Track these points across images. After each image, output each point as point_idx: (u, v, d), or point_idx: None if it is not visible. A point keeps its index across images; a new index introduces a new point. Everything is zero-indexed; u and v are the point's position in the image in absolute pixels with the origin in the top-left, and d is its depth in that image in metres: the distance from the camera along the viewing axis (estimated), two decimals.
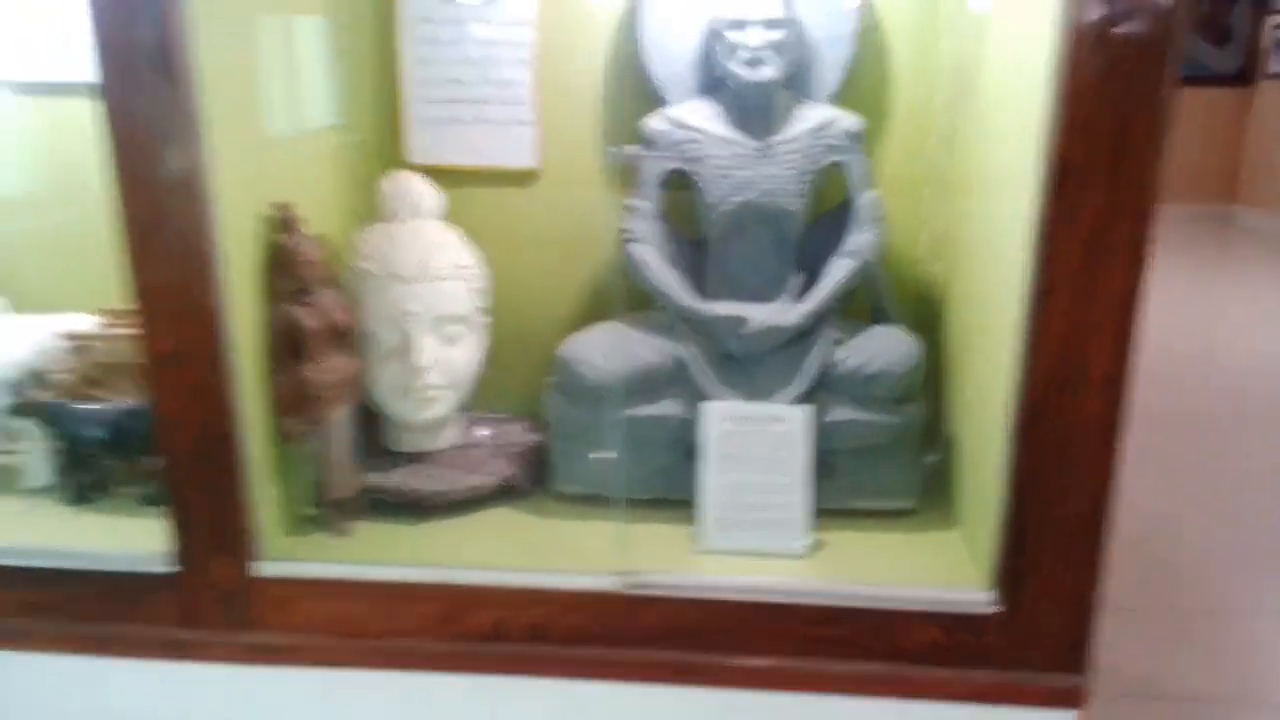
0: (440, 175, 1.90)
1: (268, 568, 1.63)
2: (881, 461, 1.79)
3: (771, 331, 1.74)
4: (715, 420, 1.71)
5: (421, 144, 1.96)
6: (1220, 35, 8.89)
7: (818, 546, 1.71)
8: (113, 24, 1.37)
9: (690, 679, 1.63)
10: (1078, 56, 1.29)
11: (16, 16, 1.96)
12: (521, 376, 2.08)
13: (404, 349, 1.76)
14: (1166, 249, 4.86)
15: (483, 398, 1.99)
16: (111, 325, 1.93)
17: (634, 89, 1.90)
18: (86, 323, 2.00)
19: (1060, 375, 1.41)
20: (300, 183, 1.78)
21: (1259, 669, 2.15)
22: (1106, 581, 1.49)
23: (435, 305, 1.77)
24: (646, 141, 1.79)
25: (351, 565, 1.64)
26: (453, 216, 1.90)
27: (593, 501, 1.86)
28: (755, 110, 1.76)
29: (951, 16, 1.87)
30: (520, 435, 2.01)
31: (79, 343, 1.88)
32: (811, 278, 1.83)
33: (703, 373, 1.76)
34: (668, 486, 1.79)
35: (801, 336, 1.77)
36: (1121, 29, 1.27)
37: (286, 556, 1.66)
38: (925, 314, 1.94)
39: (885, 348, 1.75)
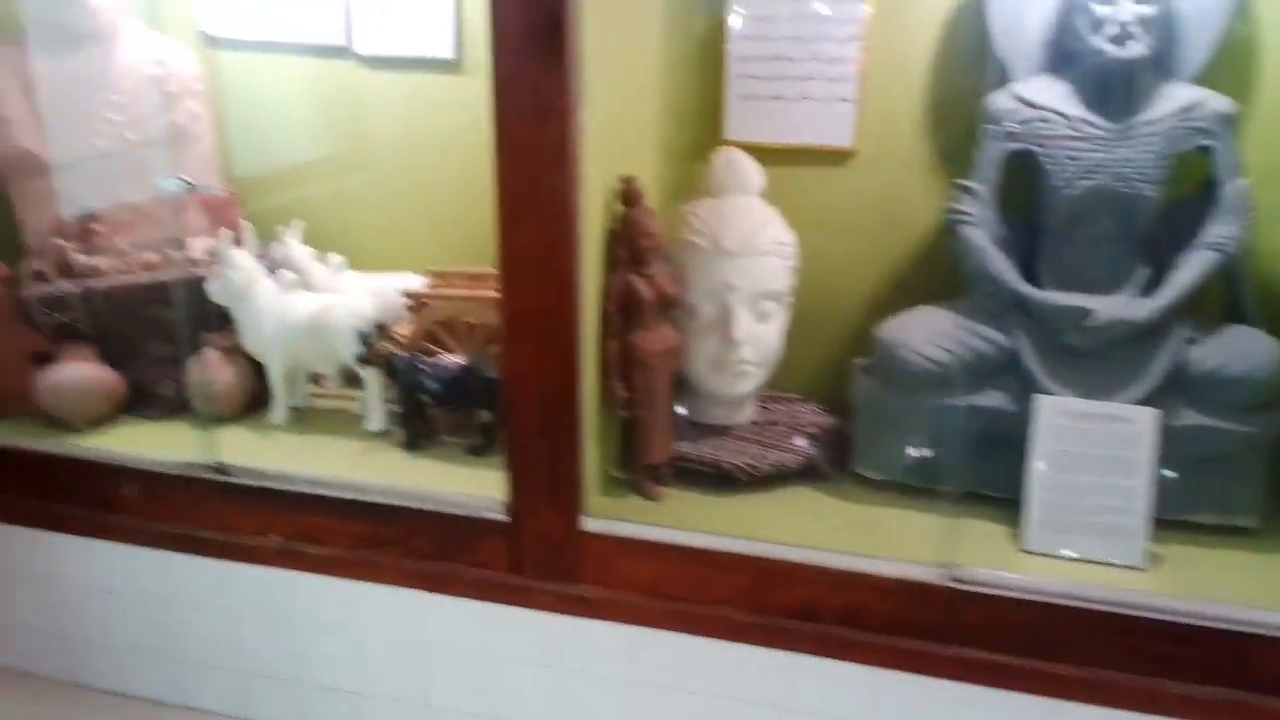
0: (756, 153, 1.90)
1: (592, 524, 1.71)
2: (1227, 473, 1.65)
3: (1119, 325, 1.63)
4: (1050, 415, 1.62)
5: (741, 121, 1.97)
6: None
7: (1155, 559, 1.60)
8: (509, 5, 1.45)
9: (1010, 683, 1.57)
10: None
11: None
12: (816, 358, 2.06)
13: (723, 322, 1.79)
14: None
15: (771, 377, 2.00)
16: (439, 286, 2.08)
17: (970, 66, 1.83)
18: (417, 282, 2.17)
19: None
20: (630, 156, 1.83)
21: None
22: None
23: (755, 281, 1.78)
24: (990, 119, 1.72)
25: (668, 529, 1.69)
26: (767, 194, 1.90)
27: (898, 488, 1.82)
28: (1116, 89, 1.65)
29: None
30: (812, 416, 2.00)
31: (418, 301, 2.03)
32: (1158, 270, 1.70)
33: (1036, 365, 1.68)
34: (987, 480, 1.72)
35: (1149, 333, 1.65)
36: None
37: (604, 515, 1.73)
38: None
39: (1247, 350, 1.61)
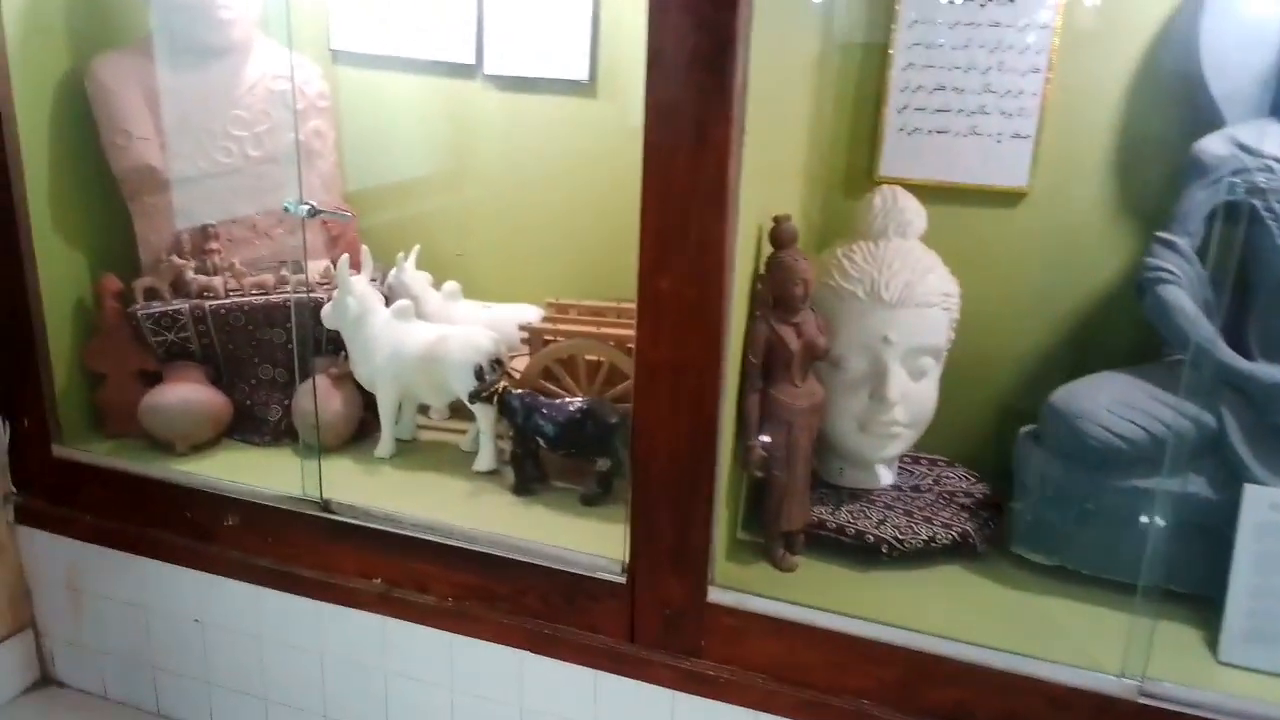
0: (915, 191, 1.71)
1: (719, 594, 1.54)
2: None
3: None
4: (1259, 508, 1.40)
5: (898, 156, 1.80)
6: None
7: None
8: (670, 31, 1.32)
9: None
10: None
11: (508, 18, 2.03)
12: (968, 418, 1.87)
13: (875, 379, 1.61)
14: None
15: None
16: (558, 319, 1.96)
17: (1172, 104, 1.63)
18: (534, 314, 2.06)
19: None
20: (774, 193, 1.68)
21: None
22: None
23: (914, 334, 1.60)
24: (1200, 166, 1.51)
25: (804, 607, 1.52)
26: (926, 237, 1.73)
27: (1061, 575, 1.61)
28: None
29: None
30: (961, 483, 1.81)
31: (536, 336, 1.91)
32: None
33: (1244, 448, 1.46)
34: (1176, 575, 1.50)
35: None
36: None
37: (730, 584, 1.56)
38: None
39: None
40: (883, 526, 1.65)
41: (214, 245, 1.96)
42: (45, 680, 2.12)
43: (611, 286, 2.11)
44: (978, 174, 1.77)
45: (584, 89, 2.02)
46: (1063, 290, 1.77)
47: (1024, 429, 1.67)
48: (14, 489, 1.98)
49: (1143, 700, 1.34)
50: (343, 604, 1.77)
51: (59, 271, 1.93)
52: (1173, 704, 1.34)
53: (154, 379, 1.97)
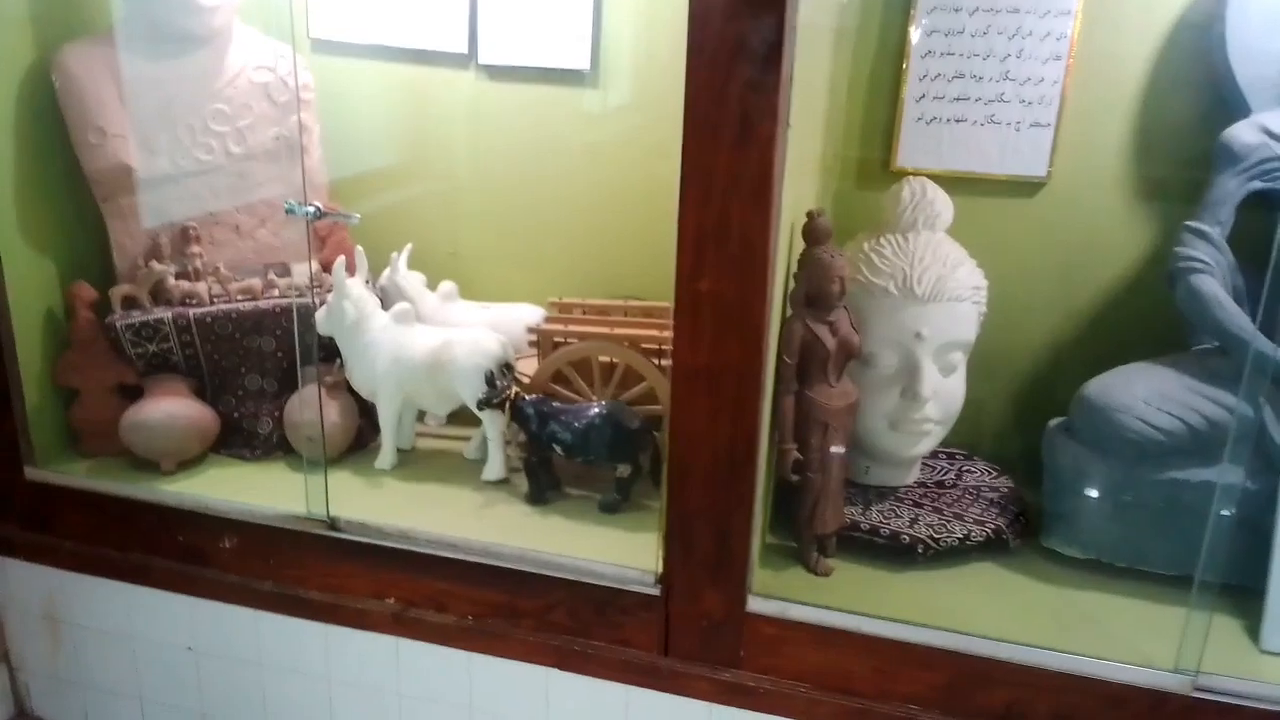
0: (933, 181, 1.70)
1: (758, 603, 1.50)
2: None
3: None
4: None
5: (914, 147, 1.76)
6: None
7: None
8: (715, 22, 1.25)
9: None
10: None
11: (504, 4, 1.93)
12: (988, 411, 1.85)
13: (907, 375, 1.58)
14: None
15: None
16: (562, 319, 1.89)
17: (1196, 92, 1.62)
18: (536, 314, 1.97)
19: None
20: (796, 186, 1.63)
21: None
22: None
23: (946, 330, 1.57)
24: (1228, 154, 1.50)
25: (845, 613, 1.48)
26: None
27: (1096, 568, 1.60)
28: None
29: None
30: (985, 478, 1.78)
31: (545, 338, 1.83)
32: None
33: None
34: (1213, 566, 1.50)
35: None
36: None
37: (766, 592, 1.52)
38: None
39: None
40: (916, 526, 1.62)
41: (195, 249, 1.83)
42: (21, 716, 1.98)
43: (614, 283, 2.04)
44: (996, 163, 1.74)
45: (585, 79, 1.93)
46: (1083, 281, 1.76)
47: (1053, 421, 1.65)
48: None
49: (1196, 694, 1.34)
50: (353, 626, 1.68)
51: (27, 280, 1.78)
52: (1226, 696, 1.33)
53: (133, 393, 1.83)
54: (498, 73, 1.98)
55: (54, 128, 1.78)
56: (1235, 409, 1.48)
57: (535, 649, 1.60)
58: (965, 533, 1.61)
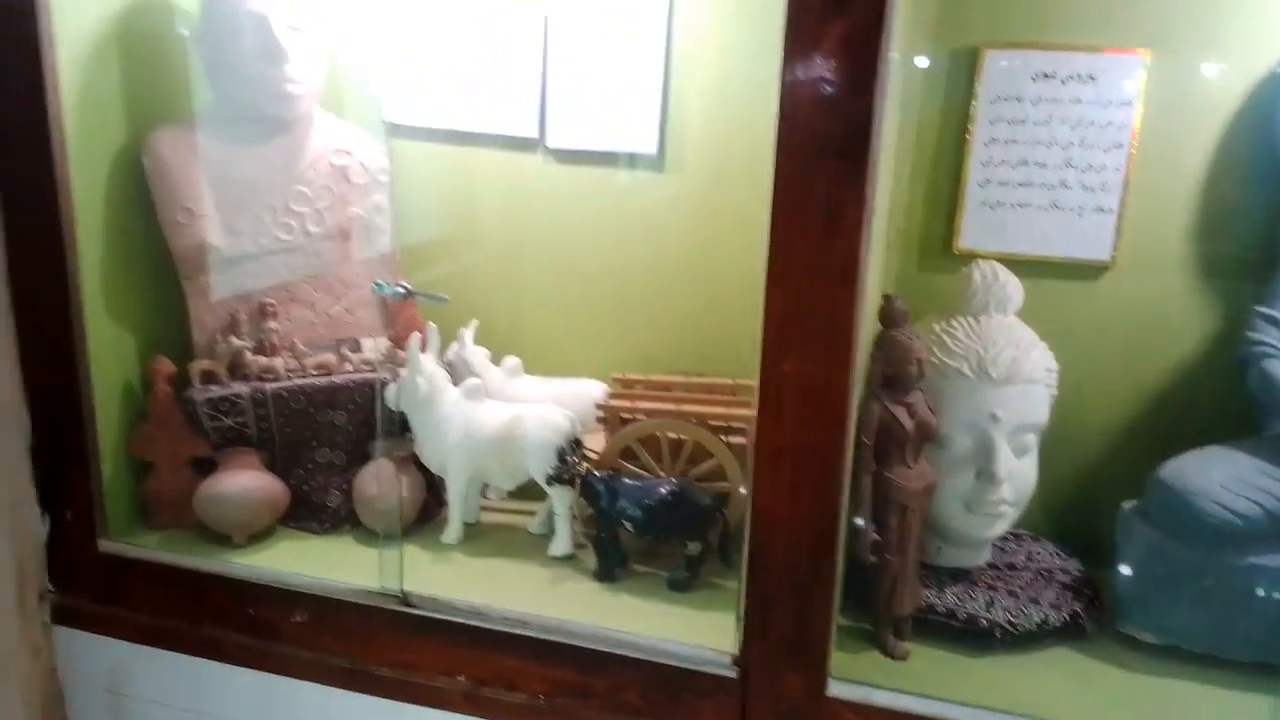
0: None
1: (838, 687, 1.48)
2: None
3: None
4: None
5: (977, 228, 1.80)
6: None
7: None
8: (803, 115, 1.29)
9: None
10: None
11: (573, 90, 2.00)
12: (1056, 492, 1.85)
13: (982, 457, 1.58)
14: None
15: None
16: (627, 394, 1.91)
17: (1263, 174, 1.65)
18: (599, 389, 2.00)
19: None
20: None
21: None
22: None
23: (1020, 412, 1.58)
24: None
25: (931, 699, 1.46)
26: None
27: (1174, 653, 1.58)
28: None
29: None
30: (1054, 560, 1.77)
31: (614, 413, 1.85)
32: None
33: None
34: None
35: None
36: None
37: (843, 675, 1.50)
38: None
39: None
40: (992, 609, 1.60)
41: (272, 324, 1.88)
42: None
43: (674, 359, 2.07)
44: (1060, 246, 1.77)
45: (651, 162, 1.99)
46: (1151, 363, 1.77)
47: (1127, 504, 1.65)
48: (51, 587, 1.85)
49: None
50: (424, 704, 1.67)
51: (107, 353, 1.82)
52: None
53: (205, 466, 1.86)
54: (565, 156, 2.04)
55: (141, 207, 1.84)
56: None
57: None
58: (1043, 617, 1.60)
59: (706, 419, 1.81)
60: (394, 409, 1.85)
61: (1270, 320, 1.54)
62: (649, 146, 1.97)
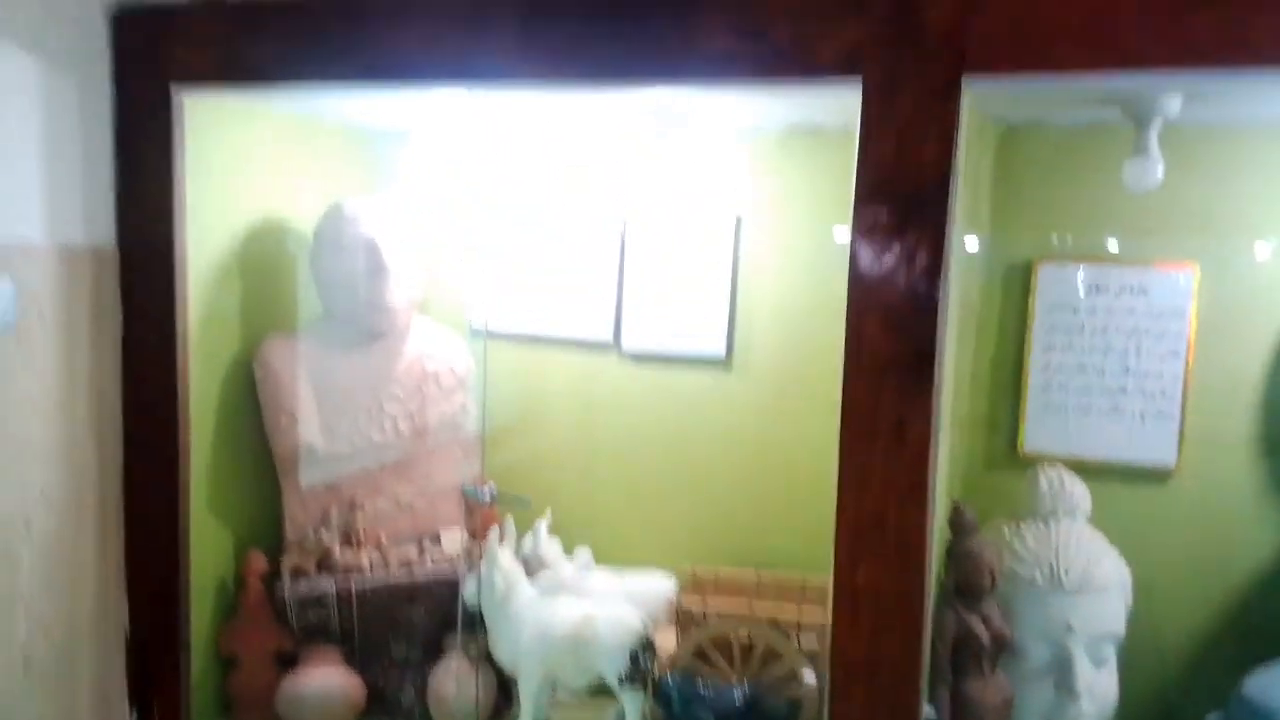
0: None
1: None
2: None
3: None
4: None
5: (1041, 432, 1.85)
6: None
7: None
8: (870, 334, 1.39)
9: None
10: None
11: (647, 297, 2.15)
12: (1143, 706, 1.80)
13: (1060, 669, 1.57)
14: None
15: None
16: (699, 590, 1.94)
17: None
18: (666, 584, 2.03)
19: None
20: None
21: None
22: None
23: (1096, 621, 1.58)
24: None
25: None
26: None
27: None
28: None
29: None
30: None
31: (686, 614, 1.88)
32: None
33: None
34: None
35: None
36: None
37: None
38: None
39: None
40: None
41: (360, 518, 1.97)
42: None
43: (743, 552, 2.10)
44: (1124, 451, 1.81)
45: (720, 364, 2.10)
46: (1223, 570, 1.77)
47: (1210, 716, 1.60)
48: None
49: None
50: None
51: (207, 549, 1.92)
52: None
53: (287, 660, 1.91)
54: (640, 358, 2.16)
55: (249, 410, 1.99)
56: None
57: None
58: None
59: (778, 619, 1.82)
60: (470, 607, 1.90)
61: None
62: (718, 349, 2.08)
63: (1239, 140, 1.73)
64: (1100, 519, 1.72)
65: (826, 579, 1.46)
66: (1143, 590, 1.73)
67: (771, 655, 1.82)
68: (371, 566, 1.93)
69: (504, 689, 1.96)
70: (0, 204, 1.50)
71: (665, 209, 2.13)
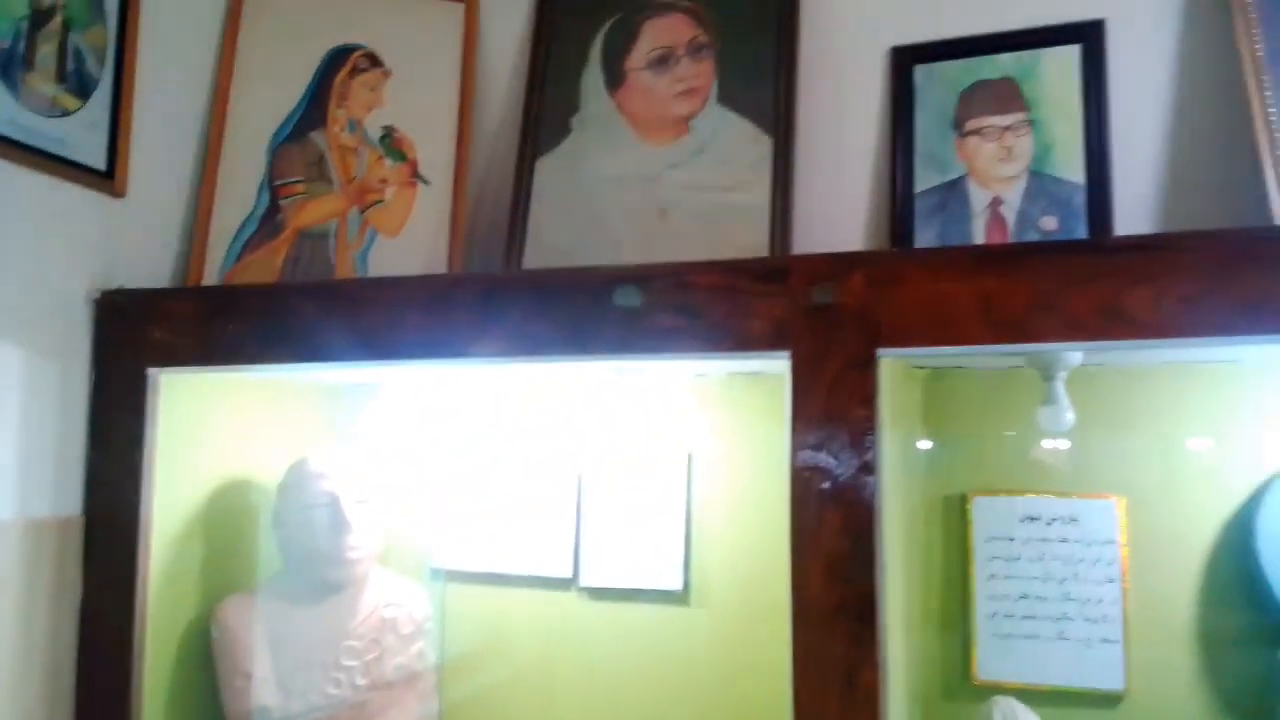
0: (1017, 695, 1.79)
1: None
2: None
3: None
4: None
5: (993, 660, 1.88)
6: None
7: None
8: (814, 583, 1.45)
9: None
10: None
11: (605, 533, 2.20)
12: None
13: None
14: None
15: None
16: None
17: (1241, 608, 1.76)
18: None
19: None
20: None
21: None
22: None
23: None
24: None
25: None
26: None
27: None
28: None
29: None
30: None
31: None
32: None
33: None
34: None
35: None
36: None
37: None
38: None
39: None
40: None
41: None
42: None
43: None
44: (1073, 677, 1.84)
45: (677, 597, 2.13)
46: None
47: None
48: None
49: None
50: None
51: None
52: None
53: None
54: (597, 593, 2.19)
55: (204, 671, 1.96)
56: None
57: None
58: None
59: None
60: None
61: None
62: (675, 583, 2.12)
63: (1147, 378, 1.88)
64: None
65: None
66: None
67: None
68: None
69: None
70: None
71: (620, 447, 2.23)
